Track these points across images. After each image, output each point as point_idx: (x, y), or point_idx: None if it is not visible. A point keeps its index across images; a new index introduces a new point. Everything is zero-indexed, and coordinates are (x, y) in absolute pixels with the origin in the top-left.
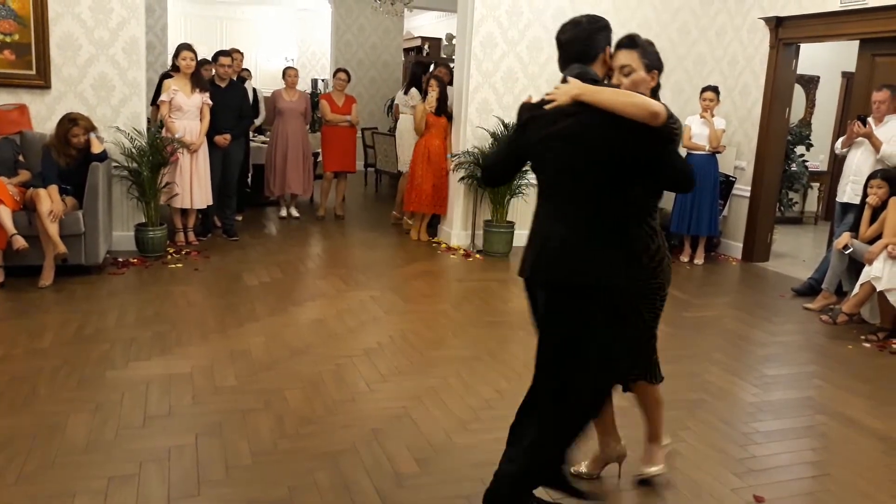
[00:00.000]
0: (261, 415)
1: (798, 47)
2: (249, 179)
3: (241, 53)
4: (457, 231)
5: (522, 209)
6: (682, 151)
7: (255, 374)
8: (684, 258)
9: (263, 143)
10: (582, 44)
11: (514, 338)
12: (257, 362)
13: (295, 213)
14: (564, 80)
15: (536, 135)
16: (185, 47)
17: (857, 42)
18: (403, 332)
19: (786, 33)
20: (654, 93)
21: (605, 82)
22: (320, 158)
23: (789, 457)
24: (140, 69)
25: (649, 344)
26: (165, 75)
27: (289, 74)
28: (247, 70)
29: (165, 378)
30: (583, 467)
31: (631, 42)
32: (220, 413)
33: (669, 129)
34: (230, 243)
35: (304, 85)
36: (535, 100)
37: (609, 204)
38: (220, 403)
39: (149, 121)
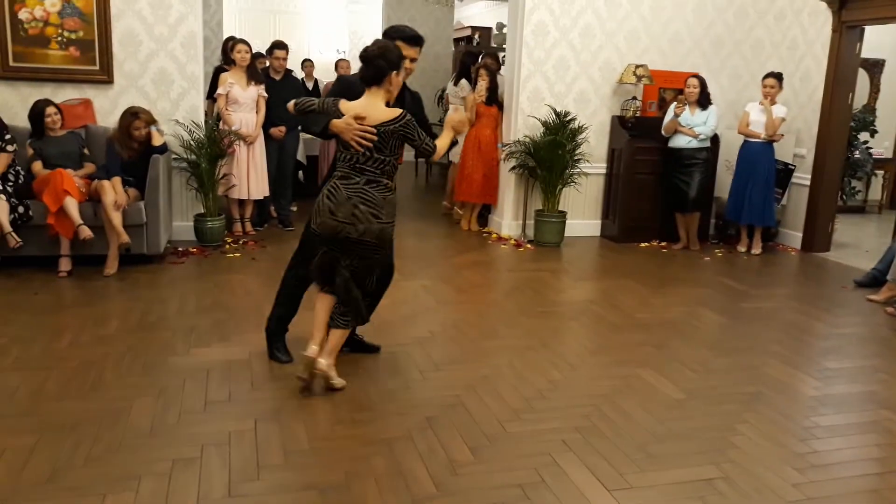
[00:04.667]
0: (318, 401)
1: (863, 30)
2: (302, 171)
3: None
4: (507, 221)
5: (574, 198)
6: (739, 138)
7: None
8: (741, 248)
9: None
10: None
11: (566, 328)
12: None
13: None
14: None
15: None
16: (238, 41)
17: None
18: (455, 321)
19: (850, 15)
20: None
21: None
22: None
23: (853, 452)
24: (198, 63)
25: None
26: (219, 69)
27: (340, 66)
28: (309, 61)
29: (225, 364)
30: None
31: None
32: (278, 399)
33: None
34: (286, 233)
35: None
36: None
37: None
38: (277, 390)
39: (206, 114)
